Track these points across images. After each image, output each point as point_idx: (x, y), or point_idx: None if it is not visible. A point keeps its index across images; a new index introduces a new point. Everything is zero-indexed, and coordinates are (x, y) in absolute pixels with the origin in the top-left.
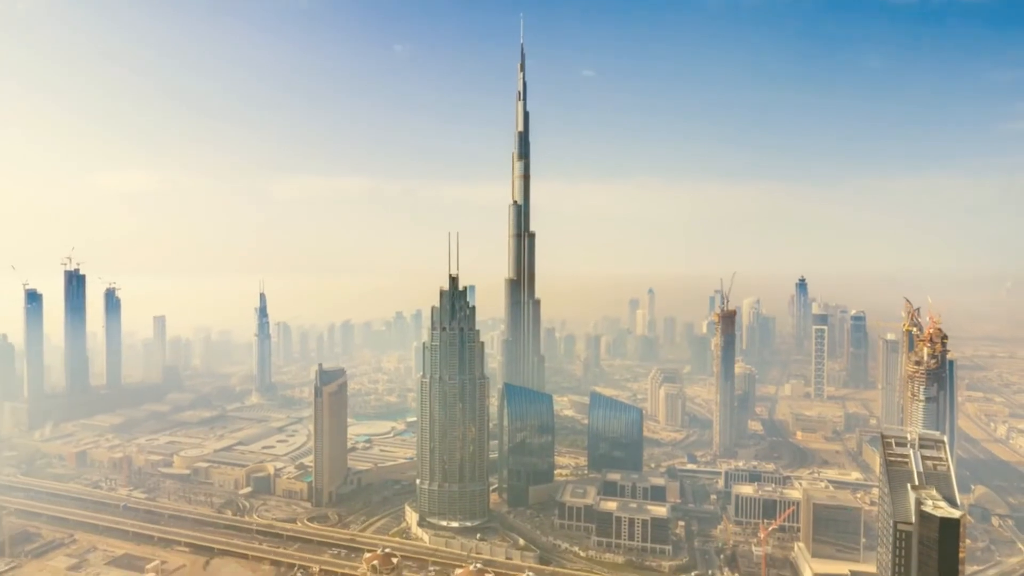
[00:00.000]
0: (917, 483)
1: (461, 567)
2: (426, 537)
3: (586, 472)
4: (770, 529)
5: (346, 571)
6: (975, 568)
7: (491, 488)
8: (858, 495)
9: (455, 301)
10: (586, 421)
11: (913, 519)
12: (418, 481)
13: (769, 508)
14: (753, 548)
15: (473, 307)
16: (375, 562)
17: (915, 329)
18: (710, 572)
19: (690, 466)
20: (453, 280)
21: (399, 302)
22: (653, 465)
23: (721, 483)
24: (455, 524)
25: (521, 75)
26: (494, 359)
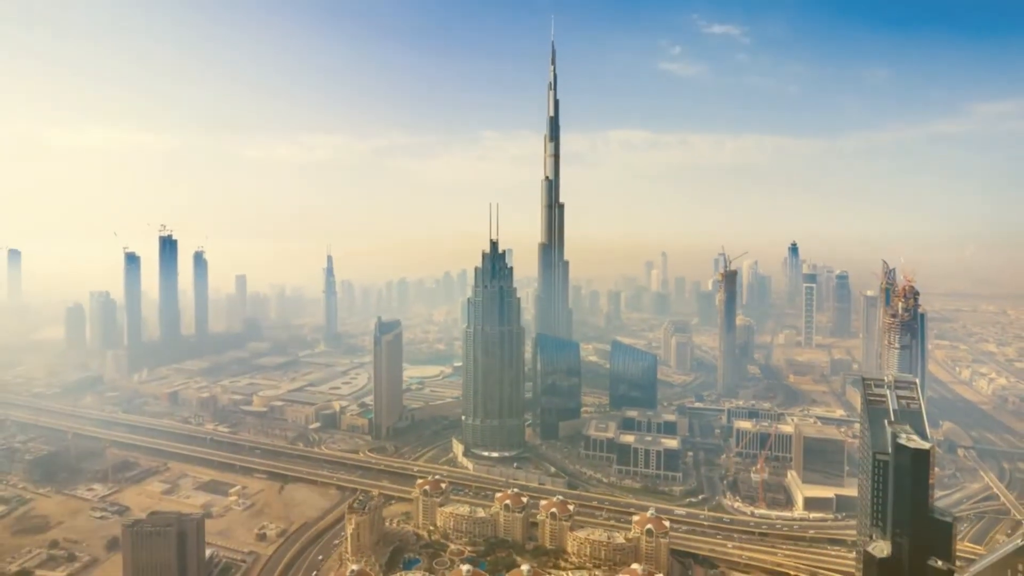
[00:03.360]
0: (893, 419)
1: (501, 491)
2: (470, 465)
3: (608, 409)
4: (763, 457)
5: (401, 495)
6: (943, 492)
7: (526, 423)
8: (842, 429)
9: (495, 262)
10: (608, 365)
11: (889, 450)
12: (463, 417)
13: (766, 441)
14: (752, 475)
15: (511, 268)
16: (426, 487)
17: (890, 288)
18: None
19: (697, 404)
20: (493, 244)
21: (447, 262)
22: (666, 404)
23: (724, 419)
24: (495, 454)
25: (552, 68)
26: (528, 312)
